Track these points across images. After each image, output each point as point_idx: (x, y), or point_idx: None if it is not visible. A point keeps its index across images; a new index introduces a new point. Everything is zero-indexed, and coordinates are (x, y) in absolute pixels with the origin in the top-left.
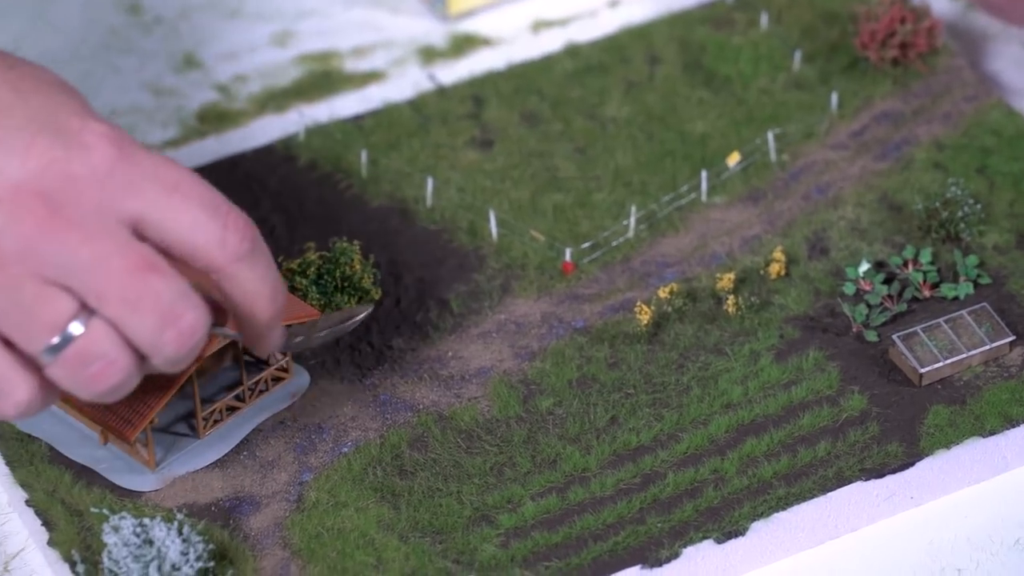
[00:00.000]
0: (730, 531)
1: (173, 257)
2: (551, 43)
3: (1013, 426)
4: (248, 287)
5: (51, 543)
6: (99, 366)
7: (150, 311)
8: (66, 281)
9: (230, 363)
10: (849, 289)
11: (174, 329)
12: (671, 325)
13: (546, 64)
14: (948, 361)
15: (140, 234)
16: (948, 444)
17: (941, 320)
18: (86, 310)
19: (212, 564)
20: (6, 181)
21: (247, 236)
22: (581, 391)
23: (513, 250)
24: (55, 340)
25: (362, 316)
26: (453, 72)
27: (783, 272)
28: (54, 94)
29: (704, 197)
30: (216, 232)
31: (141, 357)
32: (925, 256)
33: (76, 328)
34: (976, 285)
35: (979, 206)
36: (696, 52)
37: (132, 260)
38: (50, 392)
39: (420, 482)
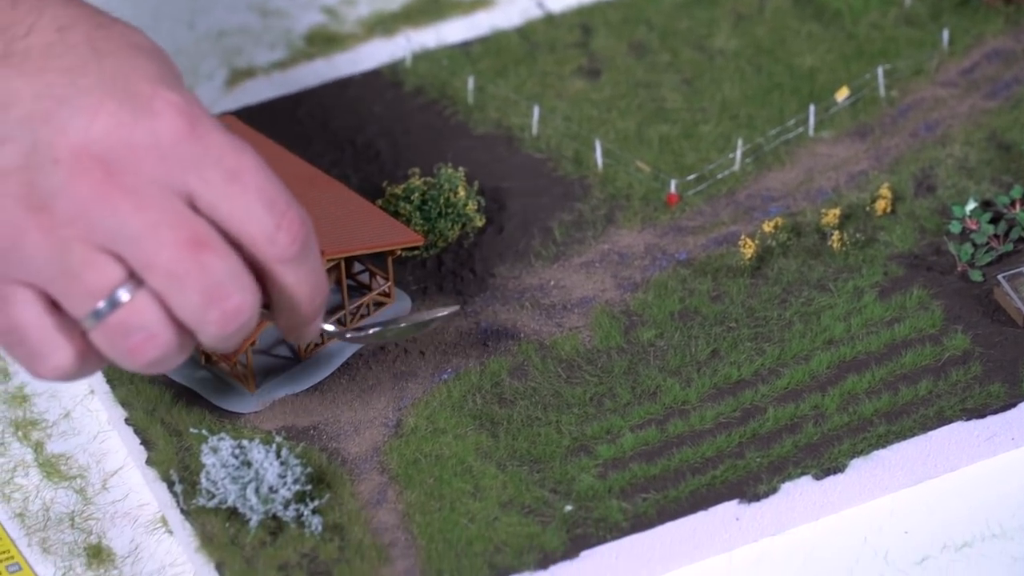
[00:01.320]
0: (829, 467)
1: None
2: None
3: None
4: (289, 286)
5: (149, 462)
6: (140, 338)
7: (195, 287)
8: (116, 248)
9: (332, 286)
10: (955, 228)
11: (218, 309)
12: (775, 260)
13: None
14: None
15: (197, 209)
16: None
17: None
18: (134, 279)
19: (309, 487)
20: (69, 141)
21: (298, 238)
22: (683, 323)
23: (618, 180)
24: (99, 306)
25: (446, 315)
26: (562, 0)
27: (889, 209)
28: (134, 57)
29: (811, 132)
30: (267, 229)
31: (188, 333)
32: None
33: (122, 296)
34: None
35: None
36: None
37: (183, 234)
38: (91, 360)
39: (519, 411)
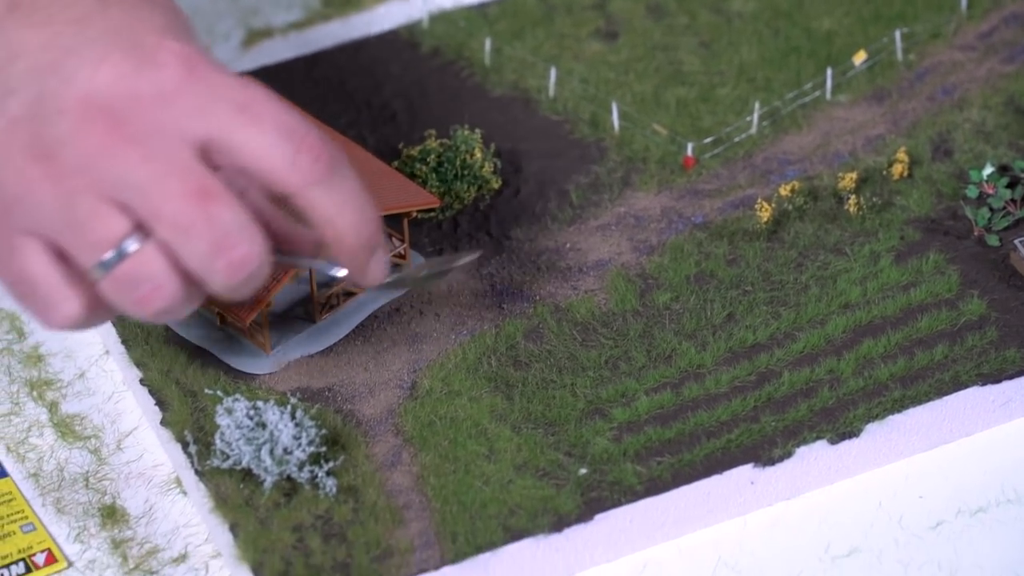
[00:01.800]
0: (844, 432)
1: (251, 181)
2: None
3: None
4: (326, 212)
5: (164, 423)
6: (147, 289)
7: (202, 238)
8: (124, 199)
9: None
10: (972, 192)
11: (225, 259)
12: (791, 223)
13: None
14: None
15: (211, 160)
16: None
17: None
18: (142, 231)
19: (324, 449)
20: (74, 92)
21: (321, 158)
22: (699, 287)
23: (635, 143)
24: (107, 256)
25: (467, 261)
26: None
27: (906, 173)
28: (140, 8)
29: (828, 95)
30: (287, 154)
31: (195, 283)
32: None
33: (129, 247)
34: None
35: None
36: None
37: (190, 184)
38: (100, 310)
39: (534, 373)
